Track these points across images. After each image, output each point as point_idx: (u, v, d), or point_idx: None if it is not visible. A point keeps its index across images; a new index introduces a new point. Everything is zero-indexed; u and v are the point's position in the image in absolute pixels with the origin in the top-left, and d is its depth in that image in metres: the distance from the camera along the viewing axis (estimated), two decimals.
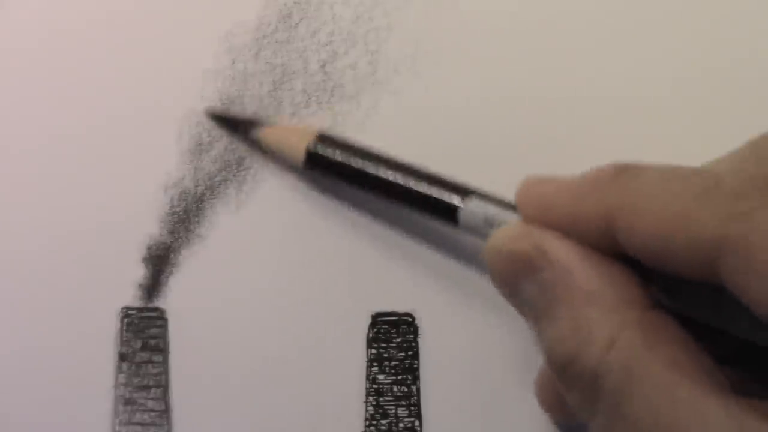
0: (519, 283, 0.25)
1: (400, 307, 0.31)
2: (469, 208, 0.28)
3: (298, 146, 0.31)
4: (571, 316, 0.23)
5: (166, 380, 0.31)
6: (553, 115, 0.32)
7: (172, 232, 0.32)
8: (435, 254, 0.31)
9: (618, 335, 0.22)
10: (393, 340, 0.31)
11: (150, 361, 0.31)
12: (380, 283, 0.31)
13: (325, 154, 0.30)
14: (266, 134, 0.32)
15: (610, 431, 0.22)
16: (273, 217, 0.32)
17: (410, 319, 0.31)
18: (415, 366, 0.31)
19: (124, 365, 0.31)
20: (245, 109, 0.33)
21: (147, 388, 0.31)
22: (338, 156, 0.30)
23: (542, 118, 0.32)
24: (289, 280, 0.32)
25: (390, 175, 0.29)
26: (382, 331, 0.31)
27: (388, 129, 0.32)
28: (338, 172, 0.30)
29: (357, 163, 0.30)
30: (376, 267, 0.31)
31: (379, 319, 0.31)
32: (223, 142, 0.33)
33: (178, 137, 0.33)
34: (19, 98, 0.33)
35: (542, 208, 0.25)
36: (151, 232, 0.32)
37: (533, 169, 0.29)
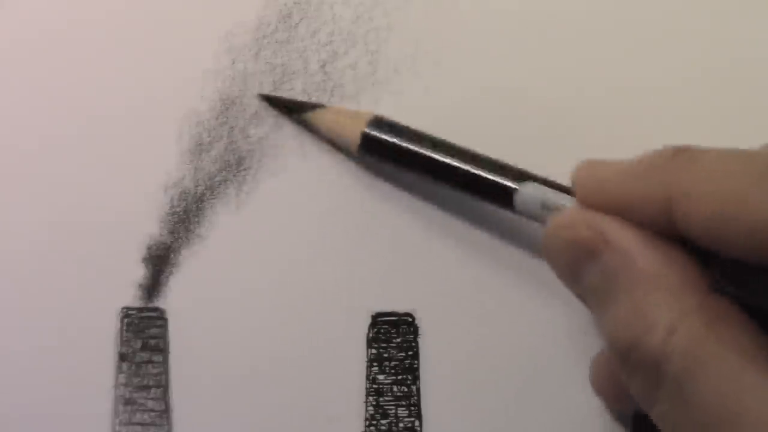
0: (580, 269, 0.25)
1: (400, 307, 0.31)
2: (526, 192, 0.28)
3: (353, 129, 0.31)
4: (632, 301, 0.23)
5: (166, 380, 0.31)
6: (553, 114, 0.32)
7: (172, 232, 0.32)
8: (435, 254, 0.31)
9: (680, 320, 0.22)
10: (393, 340, 0.31)
11: (150, 361, 0.31)
12: (380, 283, 0.31)
13: (381, 137, 0.30)
14: (320, 116, 0.32)
15: (673, 418, 0.22)
16: (273, 217, 0.32)
17: (410, 319, 0.31)
18: (415, 366, 0.31)
19: (124, 365, 0.31)
20: (246, 110, 0.33)
21: (147, 388, 0.31)
22: (394, 139, 0.30)
23: (542, 118, 0.32)
24: (289, 280, 0.32)
25: (447, 159, 0.29)
26: (382, 331, 0.31)
27: None
28: (394, 155, 0.30)
29: (413, 146, 0.30)
30: (376, 267, 0.31)
31: (379, 319, 0.31)
32: (223, 142, 0.33)
33: (178, 137, 0.33)
34: (19, 98, 0.33)
35: (599, 191, 0.25)
36: (151, 232, 0.32)
37: (533, 168, 0.29)
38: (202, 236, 0.32)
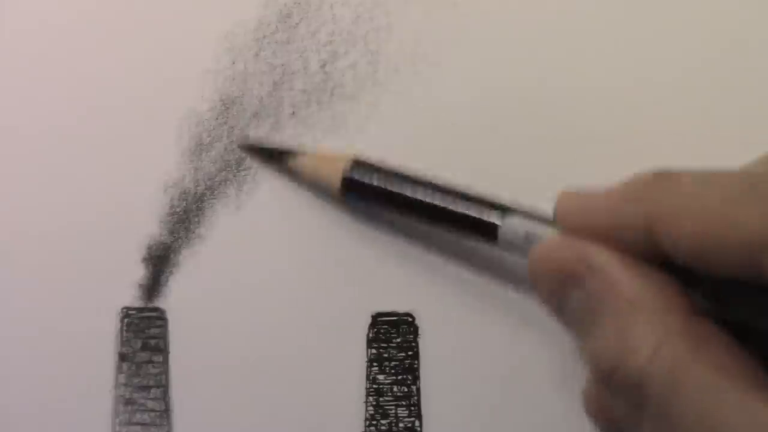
0: (564, 294, 0.25)
1: (400, 307, 0.31)
2: (509, 226, 0.28)
3: (333, 174, 0.31)
4: (615, 324, 0.23)
5: (166, 380, 0.31)
6: (553, 114, 0.32)
7: (172, 232, 0.32)
8: (435, 254, 0.31)
9: (662, 342, 0.22)
10: (393, 340, 0.31)
11: (150, 361, 0.31)
12: (380, 283, 0.31)
13: (362, 180, 0.30)
14: (300, 164, 0.32)
15: None
16: (273, 217, 0.32)
17: (410, 319, 0.31)
18: (415, 366, 0.31)
19: (124, 365, 0.31)
20: (246, 110, 0.33)
21: (147, 388, 0.31)
22: (375, 181, 0.30)
23: (542, 118, 0.32)
24: (289, 280, 0.32)
25: (428, 198, 0.29)
26: (382, 331, 0.31)
27: (388, 129, 0.32)
28: (375, 197, 0.30)
29: (394, 187, 0.30)
30: (376, 267, 0.31)
31: (379, 319, 0.31)
32: (223, 142, 0.33)
33: (178, 137, 0.33)
34: (19, 98, 0.33)
35: (582, 220, 0.25)
36: (151, 232, 0.32)
37: (533, 168, 0.29)
38: (202, 236, 0.32)
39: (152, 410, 0.31)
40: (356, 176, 0.30)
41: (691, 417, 0.21)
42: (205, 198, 0.32)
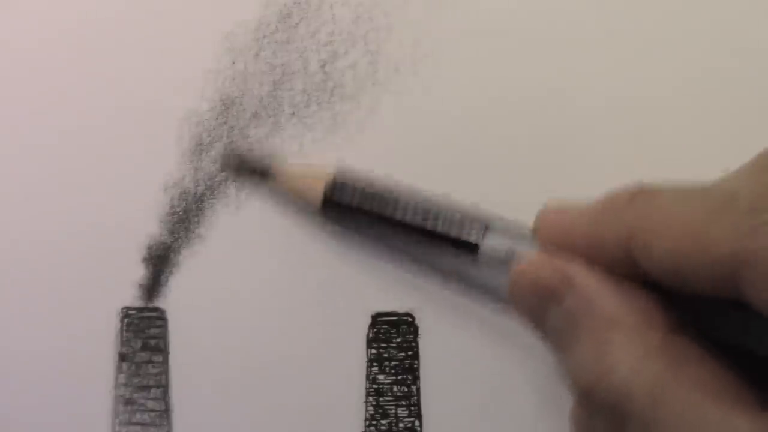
0: (543, 312, 0.25)
1: (400, 307, 0.31)
2: (489, 245, 0.28)
3: (313, 192, 0.31)
4: (593, 342, 0.23)
5: (166, 380, 0.31)
6: (553, 115, 0.32)
7: (172, 232, 0.32)
8: (435, 254, 0.31)
9: (641, 361, 0.22)
10: (393, 340, 0.31)
11: (150, 361, 0.31)
12: (380, 283, 0.31)
13: (341, 201, 0.30)
14: (279, 183, 0.32)
15: None
16: (273, 217, 0.32)
17: (410, 319, 0.31)
18: (415, 366, 0.31)
19: (124, 365, 0.31)
20: (246, 110, 0.33)
21: (147, 388, 0.31)
22: (354, 201, 0.30)
23: (542, 118, 0.32)
24: (289, 280, 0.32)
25: (407, 217, 0.29)
26: (382, 331, 0.31)
27: (388, 129, 0.32)
28: (354, 215, 0.30)
29: (373, 206, 0.30)
30: (376, 267, 0.31)
31: (379, 319, 0.31)
32: (223, 142, 0.33)
33: (178, 137, 0.33)
34: (19, 98, 0.33)
35: (561, 236, 0.25)
36: (151, 232, 0.32)
37: (532, 169, 0.29)
38: (202, 236, 0.32)
39: (152, 410, 0.31)
40: (335, 196, 0.30)
41: None
42: (205, 198, 0.32)
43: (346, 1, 0.33)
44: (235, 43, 0.33)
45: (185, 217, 0.32)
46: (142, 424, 0.31)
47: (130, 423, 0.31)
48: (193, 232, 0.32)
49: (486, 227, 0.28)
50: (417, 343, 0.31)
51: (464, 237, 0.29)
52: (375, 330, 0.31)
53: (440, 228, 0.29)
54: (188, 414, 0.31)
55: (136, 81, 0.33)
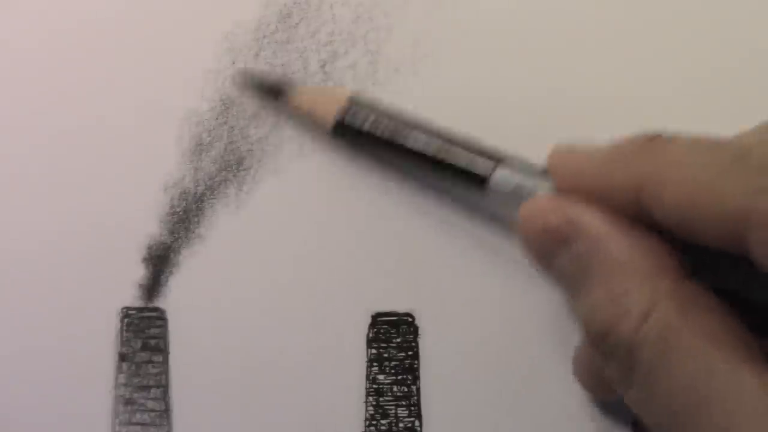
0: (553, 255, 0.25)
1: (400, 307, 0.31)
2: (498, 178, 0.28)
3: (326, 113, 0.31)
4: (605, 287, 0.23)
5: (166, 380, 0.31)
6: (553, 114, 0.32)
7: (172, 232, 0.32)
8: (435, 254, 0.31)
9: (653, 306, 0.22)
10: (393, 340, 0.31)
11: (150, 361, 0.31)
12: (380, 283, 0.31)
13: (353, 123, 0.30)
14: (295, 100, 0.31)
15: (645, 402, 0.22)
16: (273, 217, 0.32)
17: (410, 319, 0.31)
18: (415, 366, 0.31)
19: (124, 365, 0.31)
20: (246, 110, 0.33)
21: (147, 388, 0.31)
22: (366, 125, 0.30)
23: (542, 118, 0.32)
24: (289, 280, 0.32)
25: (419, 145, 0.29)
26: (382, 331, 0.31)
27: None
28: (365, 140, 0.30)
29: (385, 131, 0.30)
30: (376, 267, 0.31)
31: (379, 319, 0.31)
32: (223, 142, 0.33)
33: (178, 137, 0.33)
34: (19, 98, 0.33)
35: (573, 176, 0.25)
36: (151, 232, 0.32)
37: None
38: (202, 236, 0.32)
39: (152, 410, 0.31)
40: (347, 120, 0.30)
41: (680, 384, 0.21)
42: (205, 198, 0.32)
43: (346, 1, 0.33)
44: (235, 43, 0.33)
45: (185, 217, 0.32)
46: (142, 424, 0.31)
47: (130, 423, 0.31)
48: (193, 232, 0.32)
49: (498, 161, 0.28)
50: (417, 343, 0.31)
51: (473, 169, 0.28)
52: (375, 330, 0.31)
53: (451, 159, 0.29)
54: (188, 414, 0.31)
55: (136, 81, 0.33)
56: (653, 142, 0.23)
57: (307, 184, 0.32)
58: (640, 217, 0.23)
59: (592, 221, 0.24)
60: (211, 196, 0.32)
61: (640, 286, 0.23)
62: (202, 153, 0.33)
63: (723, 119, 0.32)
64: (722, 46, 0.32)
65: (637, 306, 0.22)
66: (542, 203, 0.26)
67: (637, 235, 0.23)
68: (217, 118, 0.33)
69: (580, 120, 0.32)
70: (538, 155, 0.31)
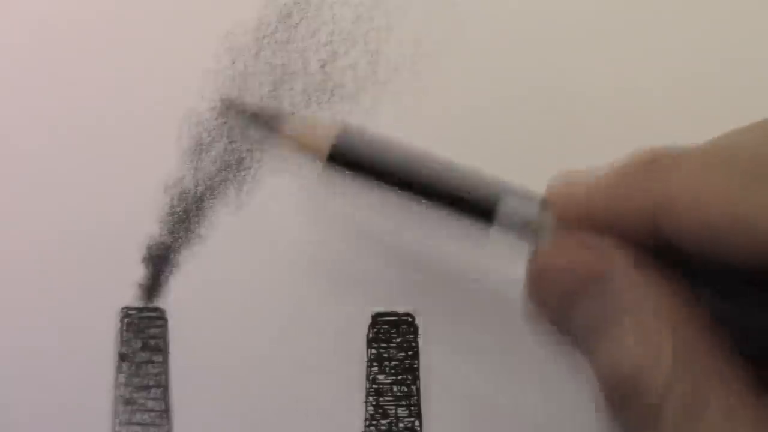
0: (576, 298, 0.23)
1: (400, 307, 0.31)
2: (504, 211, 0.26)
3: (320, 142, 0.28)
4: (638, 327, 0.21)
5: (166, 380, 0.31)
6: (553, 114, 0.32)
7: (172, 232, 0.32)
8: (435, 254, 0.31)
9: (682, 355, 0.21)
10: (393, 340, 0.31)
11: (150, 361, 0.31)
12: (380, 283, 0.31)
13: (350, 151, 0.28)
14: (286, 130, 0.29)
15: None
16: (273, 217, 0.32)
17: (410, 319, 0.31)
18: (415, 366, 0.31)
19: (124, 365, 0.31)
20: (246, 109, 0.33)
21: (147, 388, 0.31)
22: (363, 153, 0.28)
23: (542, 118, 0.32)
24: (289, 280, 0.32)
25: (421, 174, 0.27)
26: (382, 331, 0.31)
27: (388, 129, 0.32)
28: (362, 170, 0.28)
29: (384, 160, 0.27)
30: (376, 267, 0.31)
31: (379, 319, 0.31)
32: (223, 142, 0.33)
33: (178, 137, 0.33)
34: (19, 98, 0.33)
35: (578, 208, 0.24)
36: (151, 232, 0.32)
37: (532, 169, 0.29)
38: (202, 236, 0.32)
39: (152, 410, 0.31)
40: (344, 146, 0.28)
41: None
42: (205, 198, 0.32)
43: (346, 1, 0.33)
44: (235, 43, 0.33)
45: (185, 217, 0.32)
46: (142, 424, 0.31)
47: (130, 423, 0.31)
48: (193, 232, 0.32)
49: (500, 193, 0.26)
50: (417, 343, 0.31)
51: (480, 201, 0.26)
52: (375, 330, 0.31)
53: (455, 190, 0.27)
54: (188, 414, 0.31)
55: (135, 81, 0.33)
56: (660, 163, 0.22)
57: (307, 184, 0.32)
58: (652, 242, 0.22)
59: (621, 258, 0.22)
60: (211, 196, 0.32)
61: (670, 330, 0.21)
62: (202, 153, 0.33)
63: (723, 119, 0.32)
64: (722, 46, 0.32)
65: (668, 352, 0.21)
66: (563, 241, 0.24)
67: (658, 272, 0.22)
68: (217, 118, 0.33)
69: (581, 120, 0.32)
70: (538, 155, 0.31)
